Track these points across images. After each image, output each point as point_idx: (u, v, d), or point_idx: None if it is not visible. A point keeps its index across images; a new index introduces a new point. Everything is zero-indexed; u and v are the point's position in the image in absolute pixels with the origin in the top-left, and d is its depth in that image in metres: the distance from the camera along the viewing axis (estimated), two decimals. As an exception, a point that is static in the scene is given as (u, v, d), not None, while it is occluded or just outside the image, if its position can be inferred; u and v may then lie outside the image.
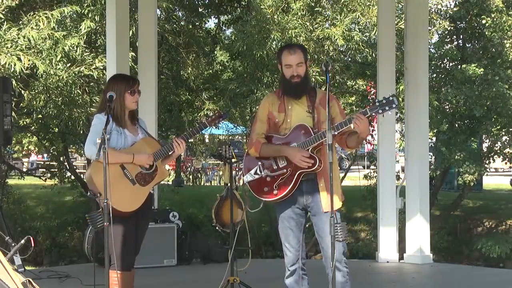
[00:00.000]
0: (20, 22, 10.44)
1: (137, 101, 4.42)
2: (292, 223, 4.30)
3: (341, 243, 4.05)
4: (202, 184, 23.62)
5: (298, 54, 4.22)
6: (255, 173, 4.31)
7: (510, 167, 14.89)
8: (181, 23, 14.92)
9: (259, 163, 4.30)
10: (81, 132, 11.85)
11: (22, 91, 10.33)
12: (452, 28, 13.72)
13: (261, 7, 12.79)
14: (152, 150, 4.30)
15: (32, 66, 9.76)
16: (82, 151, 16.14)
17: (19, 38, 9.81)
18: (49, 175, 15.60)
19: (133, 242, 4.33)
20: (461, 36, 14.06)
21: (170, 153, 4.37)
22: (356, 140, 4.15)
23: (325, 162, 4.10)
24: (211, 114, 4.84)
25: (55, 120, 11.92)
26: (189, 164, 24.24)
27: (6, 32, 9.96)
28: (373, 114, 3.98)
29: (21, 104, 10.71)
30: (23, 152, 21.89)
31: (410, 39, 7.88)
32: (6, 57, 9.33)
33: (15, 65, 9.27)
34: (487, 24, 12.73)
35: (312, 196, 4.20)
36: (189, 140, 4.64)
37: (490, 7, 12.90)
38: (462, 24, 13.69)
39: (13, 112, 9.89)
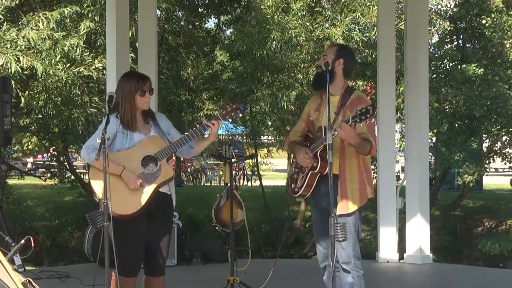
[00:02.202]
0: (20, 22, 10.44)
1: (149, 101, 4.21)
2: (316, 223, 4.42)
3: (351, 247, 4.18)
4: (202, 184, 23.62)
5: (330, 49, 4.41)
6: (292, 170, 4.47)
7: (510, 167, 14.84)
8: (181, 23, 14.93)
9: (294, 160, 4.45)
10: (81, 132, 11.85)
11: (20, 93, 10.30)
12: (452, 28, 13.72)
13: (261, 7, 12.79)
14: (156, 149, 4.12)
15: (31, 66, 9.75)
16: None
17: (18, 38, 9.80)
18: (49, 175, 15.60)
19: (139, 247, 4.16)
20: (461, 36, 14.06)
21: (206, 135, 4.21)
22: (356, 147, 4.15)
23: (345, 165, 4.20)
24: (227, 106, 4.46)
25: (55, 120, 11.92)
26: (189, 164, 24.24)
27: (6, 32, 9.96)
28: (353, 122, 3.96)
29: (21, 105, 10.71)
30: (25, 151, 21.86)
31: (410, 39, 7.88)
32: (4, 57, 9.32)
33: (11, 65, 9.25)
34: (487, 24, 12.73)
35: (328, 198, 4.13)
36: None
37: (490, 7, 12.89)
38: (462, 24, 13.69)
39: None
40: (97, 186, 4.07)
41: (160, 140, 4.18)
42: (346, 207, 4.21)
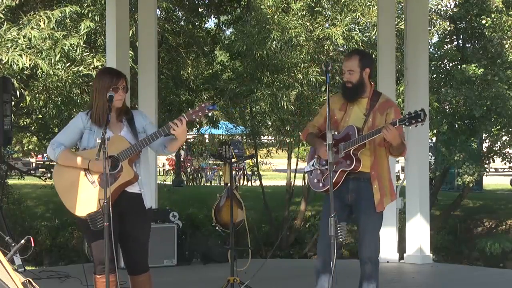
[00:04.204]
0: (20, 22, 10.44)
1: (122, 98, 4.13)
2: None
3: (379, 242, 4.43)
4: (202, 184, 23.63)
5: (352, 61, 4.46)
6: (312, 165, 4.57)
7: (510, 167, 14.84)
8: (181, 23, 14.93)
9: (316, 156, 4.55)
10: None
11: (24, 91, 10.30)
12: (452, 28, 13.72)
13: (261, 7, 12.80)
14: (119, 149, 4.02)
15: (33, 65, 9.74)
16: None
17: (19, 38, 9.79)
18: (49, 175, 15.58)
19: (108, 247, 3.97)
20: (461, 36, 14.07)
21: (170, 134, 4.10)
22: (392, 148, 4.36)
23: (377, 164, 4.38)
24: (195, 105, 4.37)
25: (55, 120, 11.92)
26: (189, 164, 24.25)
27: (6, 32, 9.96)
28: (401, 125, 4.21)
29: (21, 104, 10.71)
30: (24, 152, 21.87)
31: (410, 39, 7.88)
32: (7, 55, 9.30)
33: (17, 61, 9.24)
34: (487, 24, 12.73)
35: (357, 194, 4.38)
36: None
37: (490, 7, 12.90)
38: (462, 24, 13.69)
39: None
40: (61, 187, 4.12)
41: (124, 140, 4.09)
42: (382, 204, 4.41)
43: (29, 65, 9.60)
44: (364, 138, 4.28)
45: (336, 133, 4.43)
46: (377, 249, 4.47)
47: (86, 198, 4.04)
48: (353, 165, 4.33)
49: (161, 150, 4.24)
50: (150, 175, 4.38)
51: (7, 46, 9.64)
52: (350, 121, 4.43)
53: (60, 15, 10.22)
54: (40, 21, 10.05)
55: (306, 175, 4.69)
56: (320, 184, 4.49)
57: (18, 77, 10.04)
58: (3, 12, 10.39)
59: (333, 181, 4.31)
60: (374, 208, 4.38)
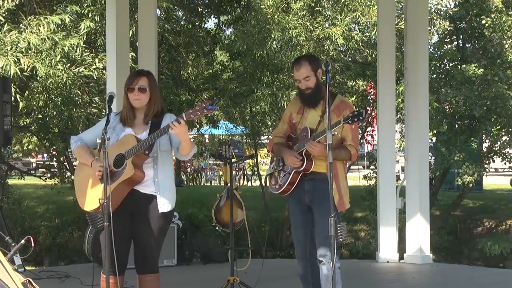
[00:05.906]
0: (21, 24, 10.42)
1: (138, 99, 4.16)
2: (297, 218, 4.60)
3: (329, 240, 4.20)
4: (202, 184, 23.62)
5: (304, 69, 4.50)
6: (272, 167, 4.68)
7: (510, 167, 14.83)
8: (181, 23, 14.93)
9: (275, 159, 4.66)
10: (81, 131, 11.82)
11: (18, 96, 10.21)
12: (452, 28, 13.71)
13: (261, 7, 12.79)
14: (128, 148, 4.05)
15: (31, 68, 9.73)
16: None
17: (19, 41, 9.78)
18: (49, 175, 15.59)
19: (121, 247, 4.00)
20: (461, 36, 14.05)
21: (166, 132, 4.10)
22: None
23: (332, 165, 4.26)
24: (195, 104, 4.38)
25: (55, 120, 11.91)
26: (189, 164, 24.25)
27: (6, 34, 9.95)
28: (344, 123, 4.22)
29: (19, 109, 10.68)
30: (24, 152, 21.85)
31: (410, 39, 7.88)
32: (3, 59, 9.28)
33: (10, 68, 9.22)
34: (486, 24, 12.72)
35: (313, 194, 4.41)
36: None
37: (490, 7, 12.89)
38: (462, 24, 13.68)
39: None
40: (77, 183, 4.34)
41: (133, 139, 4.10)
42: (343, 204, 4.44)
43: (27, 67, 9.57)
44: (314, 138, 4.32)
45: (293, 136, 4.57)
46: (328, 250, 4.33)
47: (94, 194, 4.11)
48: (304, 165, 4.36)
49: (177, 153, 4.27)
50: None
51: (7, 49, 9.62)
52: (307, 123, 4.51)
53: (59, 22, 10.17)
54: (40, 26, 10.03)
55: (267, 178, 4.76)
56: (276, 186, 4.55)
57: (18, 79, 10.01)
58: (3, 15, 10.38)
59: (288, 181, 4.44)
60: (342, 208, 4.41)
